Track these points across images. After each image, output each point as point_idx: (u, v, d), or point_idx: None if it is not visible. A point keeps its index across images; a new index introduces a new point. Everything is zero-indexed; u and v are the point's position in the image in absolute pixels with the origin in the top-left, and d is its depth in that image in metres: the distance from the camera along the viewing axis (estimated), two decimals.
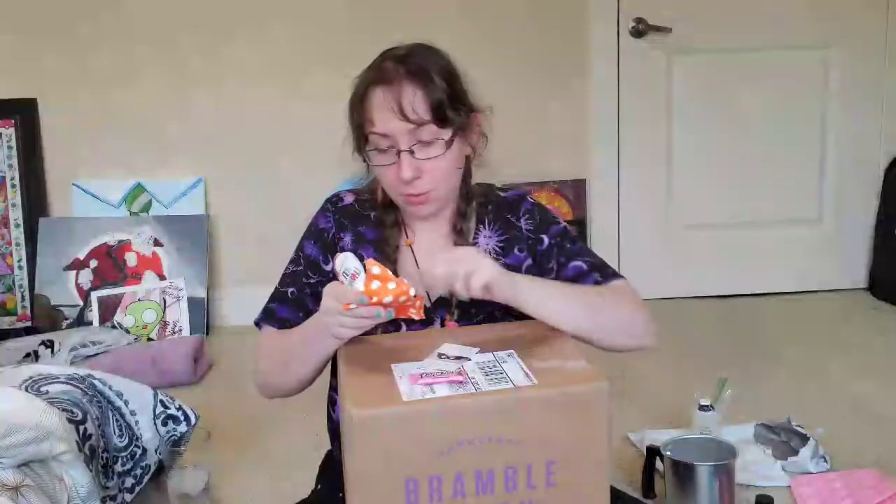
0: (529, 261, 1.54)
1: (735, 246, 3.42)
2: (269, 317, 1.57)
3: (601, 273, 1.51)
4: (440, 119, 1.42)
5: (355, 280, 1.30)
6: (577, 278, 1.51)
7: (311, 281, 1.55)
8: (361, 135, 1.46)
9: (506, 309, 1.49)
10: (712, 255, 3.42)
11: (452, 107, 1.44)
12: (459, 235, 1.54)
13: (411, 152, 1.42)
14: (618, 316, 1.42)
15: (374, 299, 1.28)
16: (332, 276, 1.52)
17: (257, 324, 1.59)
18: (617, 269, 1.55)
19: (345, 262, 1.32)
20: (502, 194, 1.60)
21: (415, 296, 1.30)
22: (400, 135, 1.41)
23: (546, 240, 1.55)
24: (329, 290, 1.33)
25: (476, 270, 1.30)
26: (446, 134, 1.44)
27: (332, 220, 1.57)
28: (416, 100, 1.41)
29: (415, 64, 1.44)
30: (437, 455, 1.16)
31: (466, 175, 1.56)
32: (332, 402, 1.63)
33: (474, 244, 1.54)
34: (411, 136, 1.42)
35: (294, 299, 1.55)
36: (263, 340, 1.57)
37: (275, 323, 1.56)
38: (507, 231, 1.55)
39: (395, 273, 1.47)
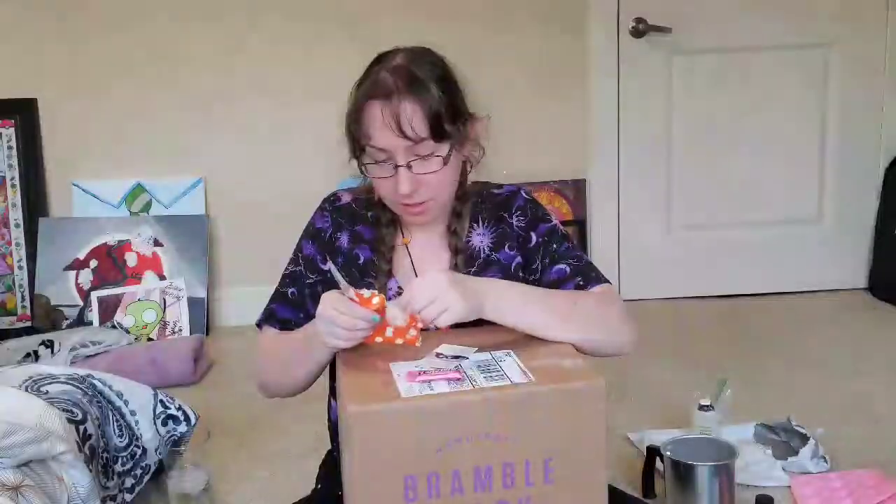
0: (519, 258, 1.54)
1: (735, 246, 3.42)
2: (270, 317, 1.57)
3: (584, 277, 1.50)
4: (438, 135, 1.41)
5: (348, 290, 1.31)
6: (559, 282, 1.50)
7: (310, 281, 1.55)
8: (358, 146, 1.45)
9: None
10: (712, 255, 3.42)
11: (450, 119, 1.42)
12: (454, 235, 1.53)
13: (409, 167, 1.41)
14: (591, 323, 1.40)
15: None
16: (330, 276, 1.53)
17: (258, 325, 1.59)
18: (603, 273, 1.54)
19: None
20: (496, 192, 1.59)
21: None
22: (397, 150, 1.40)
23: (534, 238, 1.54)
24: (327, 298, 1.32)
25: (446, 310, 1.29)
26: (444, 149, 1.42)
27: (330, 219, 1.57)
28: (414, 116, 1.38)
29: (412, 76, 1.41)
30: (436, 451, 1.16)
31: (462, 177, 1.56)
32: (331, 404, 1.63)
33: (467, 243, 1.54)
34: (409, 151, 1.40)
35: (294, 300, 1.56)
36: (264, 341, 1.57)
37: (275, 324, 1.56)
38: (499, 228, 1.55)
39: (391, 272, 1.50)
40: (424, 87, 1.40)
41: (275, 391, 1.58)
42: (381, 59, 1.46)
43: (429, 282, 1.31)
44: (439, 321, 1.30)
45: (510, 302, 1.37)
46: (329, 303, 1.31)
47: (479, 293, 1.34)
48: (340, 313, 1.29)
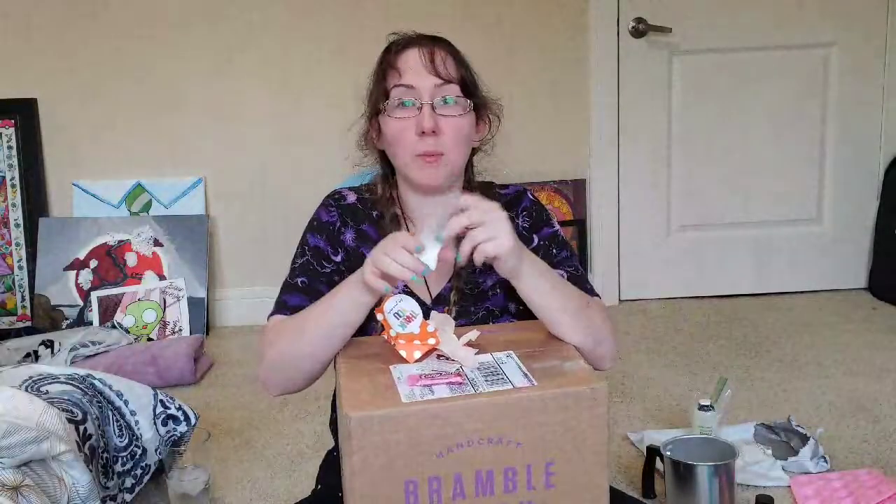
0: None
1: (735, 246, 3.42)
2: (280, 308, 1.50)
3: (579, 288, 1.48)
4: (463, 85, 1.49)
5: (410, 323, 1.29)
6: None
7: (327, 270, 1.52)
8: (383, 92, 1.50)
9: (503, 307, 1.50)
10: (712, 255, 3.43)
11: (473, 82, 1.53)
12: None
13: (433, 107, 1.46)
14: (593, 327, 1.40)
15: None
16: (344, 266, 1.52)
17: (269, 318, 1.55)
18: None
19: (401, 303, 1.30)
20: (502, 192, 1.60)
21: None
22: (426, 89, 1.47)
23: (536, 240, 1.55)
24: (391, 235, 1.32)
25: (493, 239, 1.27)
26: (466, 101, 1.50)
27: (337, 214, 1.55)
28: (446, 60, 1.49)
29: (443, 39, 1.54)
30: (436, 456, 1.16)
31: (469, 172, 1.57)
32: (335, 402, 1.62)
33: None
34: (437, 91, 1.47)
35: (304, 287, 1.50)
36: (272, 326, 1.47)
37: (286, 311, 1.48)
38: None
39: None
40: (454, 48, 1.53)
41: (284, 379, 1.45)
42: (409, 34, 1.56)
43: (491, 206, 1.29)
44: (483, 248, 1.26)
45: (543, 275, 1.36)
46: (389, 239, 1.30)
47: (524, 251, 1.33)
48: (394, 242, 1.28)
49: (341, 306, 1.36)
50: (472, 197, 1.31)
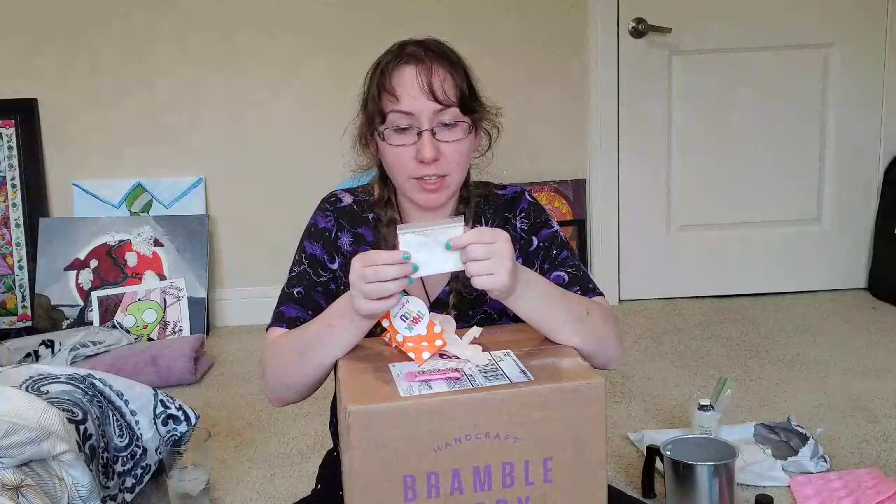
0: (520, 260, 1.53)
1: (735, 246, 3.42)
2: (278, 319, 1.51)
3: (581, 287, 1.49)
4: (464, 105, 1.45)
5: (417, 324, 1.29)
6: None
7: (323, 279, 1.52)
8: (379, 113, 1.45)
9: (502, 310, 1.49)
10: (712, 255, 3.43)
11: (473, 95, 1.48)
12: None
13: (433, 133, 1.43)
14: (596, 333, 1.40)
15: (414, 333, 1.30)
16: (340, 274, 1.52)
17: (267, 330, 1.56)
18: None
19: (407, 304, 1.30)
20: (500, 192, 1.60)
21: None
22: (425, 114, 1.42)
23: (535, 242, 1.54)
24: (355, 260, 1.27)
25: (489, 275, 1.25)
26: (467, 121, 1.46)
27: (333, 218, 1.55)
28: (445, 82, 1.43)
29: (442, 48, 1.47)
30: (435, 451, 1.16)
31: (466, 177, 1.56)
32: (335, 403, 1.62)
33: None
34: (435, 117, 1.43)
35: (301, 298, 1.50)
36: (272, 340, 1.49)
37: (283, 323, 1.50)
38: (504, 229, 1.55)
39: None
40: (452, 60, 1.46)
41: (286, 391, 1.47)
42: (403, 41, 1.49)
43: (494, 237, 1.26)
44: (479, 281, 1.25)
45: (535, 293, 1.34)
46: (357, 262, 1.26)
47: (517, 274, 1.30)
48: (366, 266, 1.24)
49: (344, 336, 1.35)
50: (476, 231, 1.27)
